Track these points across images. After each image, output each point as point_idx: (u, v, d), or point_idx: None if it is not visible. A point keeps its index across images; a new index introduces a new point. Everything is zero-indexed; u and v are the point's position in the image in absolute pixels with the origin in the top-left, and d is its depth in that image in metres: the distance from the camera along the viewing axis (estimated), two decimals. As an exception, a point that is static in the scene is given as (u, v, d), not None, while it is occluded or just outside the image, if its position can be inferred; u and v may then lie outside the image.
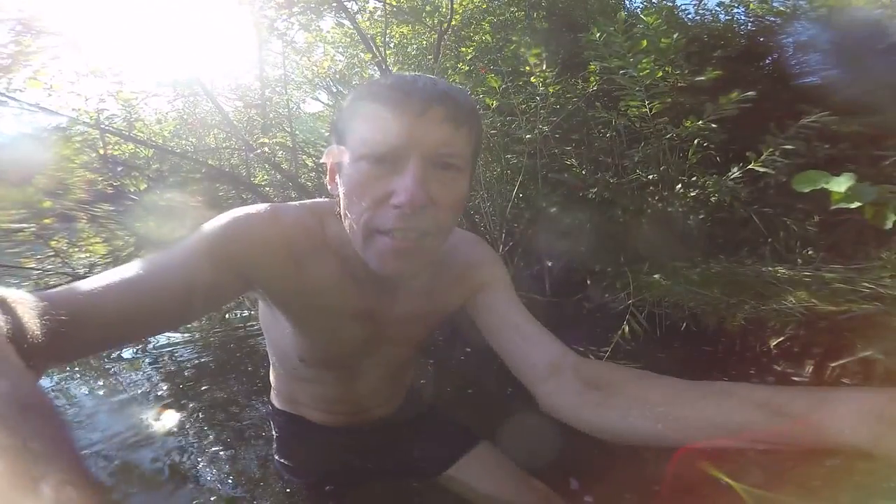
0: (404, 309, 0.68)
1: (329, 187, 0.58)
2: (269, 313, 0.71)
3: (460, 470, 0.86)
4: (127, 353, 1.96)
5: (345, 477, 0.92)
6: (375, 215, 0.51)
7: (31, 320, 0.36)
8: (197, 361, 1.88)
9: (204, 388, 1.67)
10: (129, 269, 0.48)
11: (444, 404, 1.01)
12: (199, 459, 1.25)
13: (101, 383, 1.67)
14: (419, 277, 0.67)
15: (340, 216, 0.56)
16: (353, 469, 0.91)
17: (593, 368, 0.59)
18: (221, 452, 1.27)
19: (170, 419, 1.43)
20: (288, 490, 1.10)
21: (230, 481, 1.14)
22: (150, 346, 2.06)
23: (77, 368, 1.80)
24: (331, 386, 0.78)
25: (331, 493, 0.91)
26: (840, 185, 0.59)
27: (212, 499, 1.06)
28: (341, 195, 0.54)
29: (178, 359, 1.90)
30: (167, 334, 2.17)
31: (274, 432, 0.95)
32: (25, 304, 0.37)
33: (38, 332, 0.36)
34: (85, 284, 0.44)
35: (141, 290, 0.47)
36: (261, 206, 0.58)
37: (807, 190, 0.62)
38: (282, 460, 0.94)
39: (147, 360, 1.88)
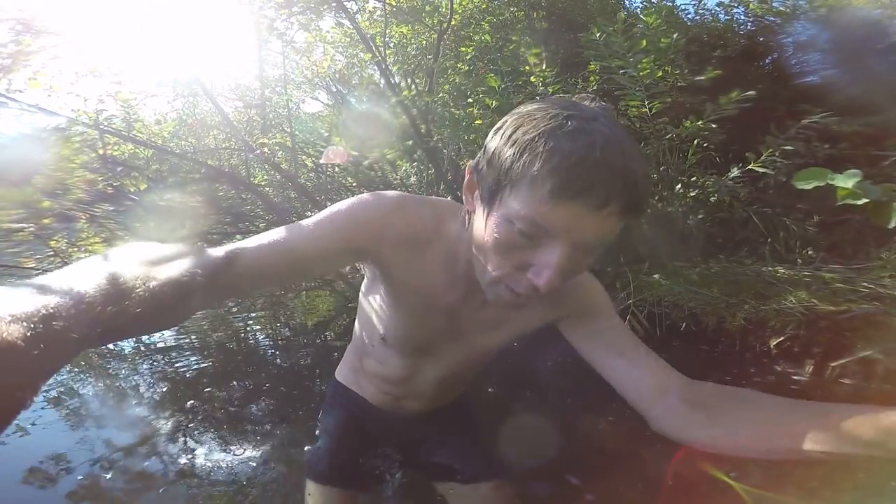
0: (488, 314, 0.69)
1: (464, 196, 0.57)
2: (371, 287, 0.76)
3: (476, 491, 0.88)
4: (127, 353, 1.97)
5: (371, 455, 0.97)
6: (508, 275, 0.51)
7: (214, 266, 0.47)
8: (196, 362, 1.88)
9: (203, 388, 1.67)
10: (281, 236, 0.57)
11: (484, 421, 1.02)
12: (199, 459, 1.25)
13: (102, 384, 1.67)
14: None
15: (463, 222, 0.58)
16: (379, 451, 0.97)
17: (699, 390, 0.60)
18: (220, 452, 1.27)
19: (170, 419, 1.43)
20: (288, 490, 1.10)
21: (229, 481, 1.14)
22: (151, 347, 2.06)
23: (77, 368, 1.80)
24: (394, 368, 0.82)
25: (351, 467, 0.94)
26: (846, 181, 0.59)
27: (211, 498, 1.06)
28: (478, 229, 0.52)
29: (178, 359, 1.90)
30: (167, 334, 2.17)
31: (326, 401, 1.00)
32: (209, 254, 0.48)
33: (216, 277, 0.46)
34: (250, 244, 0.55)
35: (288, 253, 0.56)
36: (391, 194, 0.63)
37: (808, 187, 0.61)
38: (324, 425, 0.98)
39: (147, 362, 1.88)
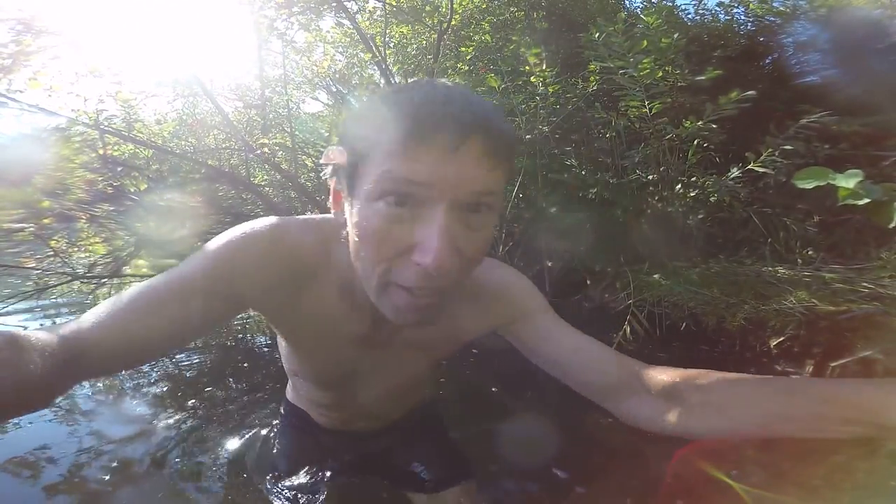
0: (412, 337, 0.64)
1: (333, 212, 0.52)
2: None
3: (444, 497, 0.86)
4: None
5: (333, 475, 0.92)
6: (394, 268, 0.45)
7: (39, 357, 0.38)
8: (196, 361, 1.88)
9: (203, 387, 1.67)
10: (131, 300, 0.48)
11: (450, 424, 1.01)
12: (198, 458, 1.25)
13: (101, 384, 1.67)
14: None
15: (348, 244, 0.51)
16: (341, 469, 0.91)
17: (661, 376, 0.58)
18: (220, 452, 1.27)
19: (169, 418, 1.43)
20: (287, 489, 1.10)
21: (229, 480, 1.14)
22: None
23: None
24: (326, 398, 0.78)
25: (315, 488, 0.92)
26: (848, 181, 0.59)
27: (210, 498, 1.06)
28: (351, 233, 0.48)
29: (178, 358, 1.90)
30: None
31: (279, 421, 0.97)
32: (34, 341, 0.39)
33: (46, 368, 0.38)
34: (90, 318, 0.46)
35: (143, 322, 0.47)
36: (262, 225, 0.54)
37: (809, 186, 0.61)
38: (280, 447, 0.96)
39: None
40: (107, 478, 1.12)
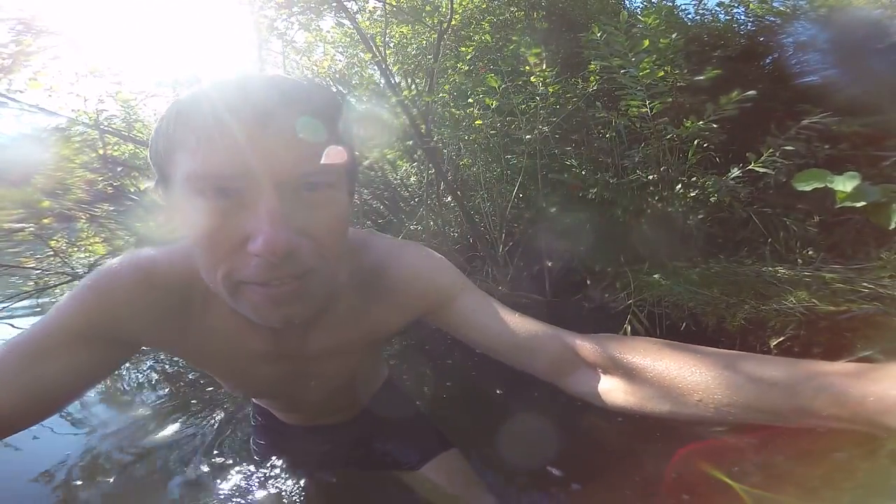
0: (324, 343, 0.59)
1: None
2: None
3: (426, 472, 0.85)
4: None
5: (316, 467, 0.92)
6: (234, 266, 0.41)
7: None
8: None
9: (204, 386, 1.66)
10: (17, 352, 0.45)
11: (423, 403, 1.01)
12: (198, 458, 1.25)
13: (102, 384, 1.67)
14: (331, 310, 0.57)
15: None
16: (323, 460, 0.90)
17: (601, 346, 0.54)
18: (220, 452, 1.27)
19: (170, 418, 1.43)
20: (286, 489, 1.09)
21: (229, 480, 1.14)
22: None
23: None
24: (271, 405, 0.77)
25: (303, 481, 0.92)
26: (846, 183, 0.59)
27: (210, 498, 1.06)
28: (188, 243, 0.45)
29: (178, 358, 1.90)
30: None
31: (252, 420, 0.97)
32: None
33: None
34: None
35: (20, 386, 0.43)
36: (127, 263, 0.50)
37: (808, 188, 0.62)
38: (259, 444, 0.96)
39: (150, 360, 1.88)
40: (115, 484, 1.12)
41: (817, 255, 1.48)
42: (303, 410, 0.78)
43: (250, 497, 0.93)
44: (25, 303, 2.17)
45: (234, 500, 0.97)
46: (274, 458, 0.93)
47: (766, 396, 0.42)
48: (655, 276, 1.57)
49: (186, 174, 0.40)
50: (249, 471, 1.02)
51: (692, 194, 1.60)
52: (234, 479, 1.06)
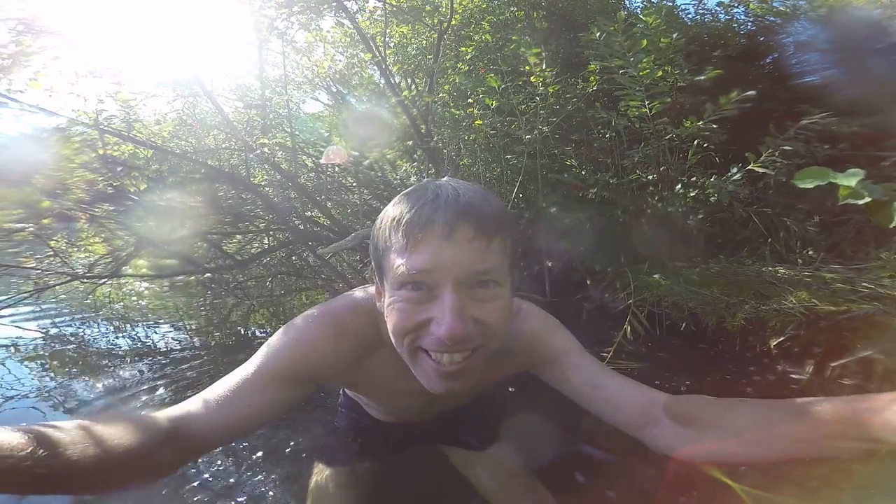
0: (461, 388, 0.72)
1: (378, 304, 0.63)
2: None
3: (480, 459, 0.95)
4: (126, 353, 1.97)
5: (392, 452, 1.01)
6: (418, 336, 0.54)
7: (144, 434, 0.48)
8: (197, 362, 1.88)
9: (204, 387, 1.66)
10: (219, 395, 0.58)
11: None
12: (199, 458, 1.24)
13: (102, 384, 1.67)
14: None
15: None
16: (395, 447, 1.00)
17: (684, 405, 0.62)
18: (220, 451, 1.27)
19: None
20: (286, 487, 1.10)
21: (228, 480, 1.14)
22: (151, 348, 2.06)
23: (75, 369, 1.80)
24: (388, 410, 0.89)
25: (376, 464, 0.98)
26: (849, 179, 0.59)
27: (210, 495, 1.06)
28: (387, 318, 0.58)
29: (178, 358, 1.90)
30: (168, 334, 2.17)
31: (340, 406, 1.07)
32: (142, 422, 0.49)
33: (150, 443, 0.48)
34: (197, 400, 0.57)
35: (241, 402, 0.58)
36: (321, 321, 0.64)
37: (809, 186, 0.62)
38: (340, 424, 1.06)
39: (147, 361, 1.88)
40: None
41: (817, 255, 1.48)
42: (409, 417, 0.91)
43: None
44: (25, 303, 2.17)
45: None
46: (358, 444, 1.01)
47: (828, 442, 0.49)
48: (655, 276, 1.57)
49: (395, 270, 0.54)
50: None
51: (692, 194, 1.60)
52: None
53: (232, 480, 1.07)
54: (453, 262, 0.50)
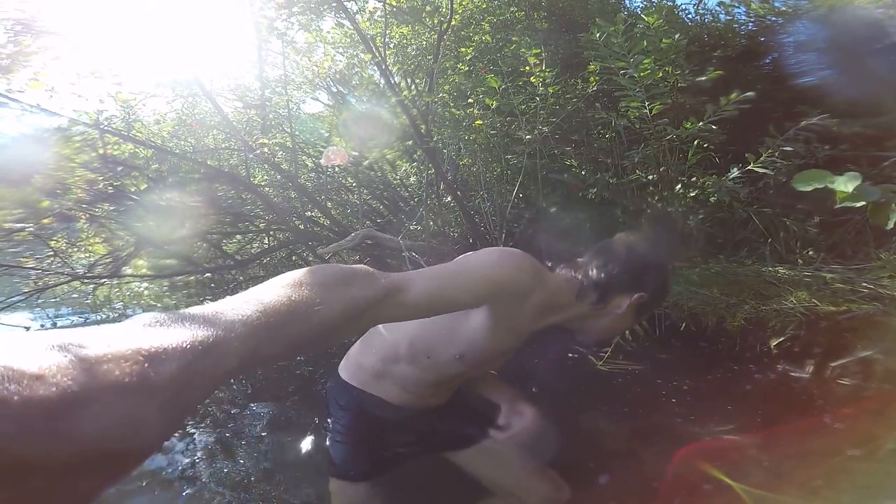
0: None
1: (616, 308, 0.82)
2: (454, 316, 0.82)
3: (483, 452, 0.98)
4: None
5: (386, 446, 1.01)
6: None
7: (379, 297, 0.50)
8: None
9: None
10: (444, 282, 0.63)
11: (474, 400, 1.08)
12: (199, 458, 1.25)
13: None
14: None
15: (590, 311, 0.83)
16: (396, 436, 1.00)
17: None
18: (220, 452, 1.27)
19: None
20: (285, 487, 1.10)
21: (229, 480, 1.14)
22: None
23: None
24: (443, 377, 0.91)
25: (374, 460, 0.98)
26: (846, 184, 0.59)
27: (210, 495, 1.06)
28: (611, 322, 0.84)
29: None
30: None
31: (341, 404, 1.01)
32: (376, 283, 0.51)
33: (379, 309, 0.50)
34: (417, 282, 0.58)
35: (446, 301, 0.64)
36: (530, 264, 0.75)
37: (808, 189, 0.62)
38: (340, 427, 1.00)
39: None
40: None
41: (817, 256, 1.48)
42: (441, 387, 0.95)
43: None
44: (25, 303, 2.17)
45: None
46: (355, 429, 0.99)
47: None
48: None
49: (640, 308, 0.84)
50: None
51: (692, 194, 1.60)
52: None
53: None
54: None
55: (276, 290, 0.38)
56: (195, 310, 0.30)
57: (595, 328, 0.86)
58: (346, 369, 1.00)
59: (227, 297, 0.35)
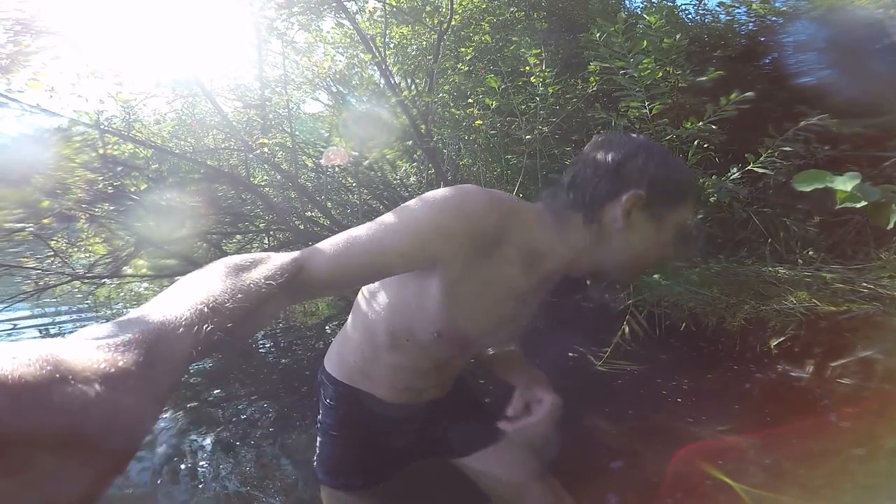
0: (541, 293, 0.73)
1: (614, 222, 0.63)
2: (423, 285, 0.69)
3: (484, 457, 0.91)
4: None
5: (378, 449, 0.95)
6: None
7: (287, 272, 0.49)
8: (197, 363, 1.88)
9: (204, 388, 1.67)
10: (355, 242, 0.57)
11: (479, 392, 1.05)
12: (199, 458, 1.25)
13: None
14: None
15: (599, 235, 0.64)
16: (391, 438, 0.94)
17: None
18: (221, 452, 1.27)
19: (171, 419, 1.42)
20: (285, 486, 1.10)
21: (229, 479, 1.14)
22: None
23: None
24: (431, 361, 0.81)
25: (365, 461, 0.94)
26: (846, 184, 0.59)
27: (211, 496, 1.06)
28: (639, 243, 0.64)
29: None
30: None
31: (328, 401, 0.96)
32: (282, 260, 0.50)
33: (290, 284, 0.49)
34: (324, 248, 0.56)
35: (361, 263, 0.57)
36: (477, 197, 0.60)
37: (808, 189, 0.62)
38: (329, 424, 0.95)
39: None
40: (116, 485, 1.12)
41: (817, 255, 1.48)
42: (428, 378, 0.85)
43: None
44: (25, 303, 2.17)
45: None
46: (344, 430, 0.94)
47: None
48: (655, 276, 1.57)
49: (677, 219, 0.65)
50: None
51: (692, 194, 1.60)
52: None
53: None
54: None
55: (205, 281, 0.42)
56: (142, 308, 0.34)
57: (608, 258, 0.66)
58: (336, 368, 0.93)
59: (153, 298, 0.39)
